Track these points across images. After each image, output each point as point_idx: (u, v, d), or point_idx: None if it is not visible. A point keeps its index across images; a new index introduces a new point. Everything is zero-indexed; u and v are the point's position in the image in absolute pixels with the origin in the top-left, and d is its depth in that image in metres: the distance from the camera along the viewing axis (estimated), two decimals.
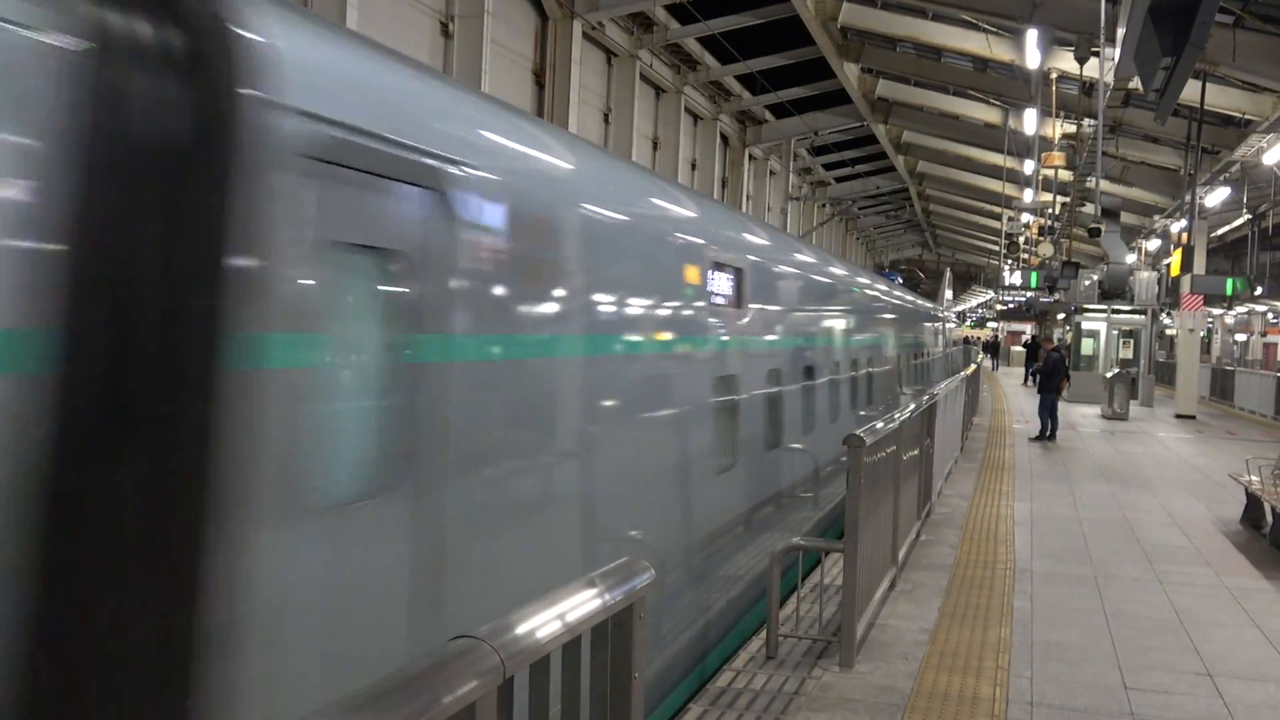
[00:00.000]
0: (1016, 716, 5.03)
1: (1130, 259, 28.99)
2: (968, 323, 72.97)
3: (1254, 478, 10.23)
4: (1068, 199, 29.79)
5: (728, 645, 6.86)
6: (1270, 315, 50.27)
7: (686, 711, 5.06)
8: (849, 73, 26.22)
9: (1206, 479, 13.62)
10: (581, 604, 2.59)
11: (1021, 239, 36.21)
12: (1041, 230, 30.91)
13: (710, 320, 6.59)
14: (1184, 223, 23.70)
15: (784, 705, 5.06)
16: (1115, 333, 30.12)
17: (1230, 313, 44.71)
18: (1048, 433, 17.90)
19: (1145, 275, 28.37)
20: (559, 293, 4.52)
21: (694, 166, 28.99)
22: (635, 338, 5.48)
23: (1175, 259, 23.85)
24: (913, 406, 8.19)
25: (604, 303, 5.06)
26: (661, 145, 26.15)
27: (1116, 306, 29.17)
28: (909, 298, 21.51)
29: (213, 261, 2.52)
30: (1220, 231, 31.43)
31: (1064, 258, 30.54)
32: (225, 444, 2.52)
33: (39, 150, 2.19)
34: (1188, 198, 22.11)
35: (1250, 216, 28.20)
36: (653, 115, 25.87)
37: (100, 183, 2.27)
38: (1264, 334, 52.03)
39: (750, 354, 7.59)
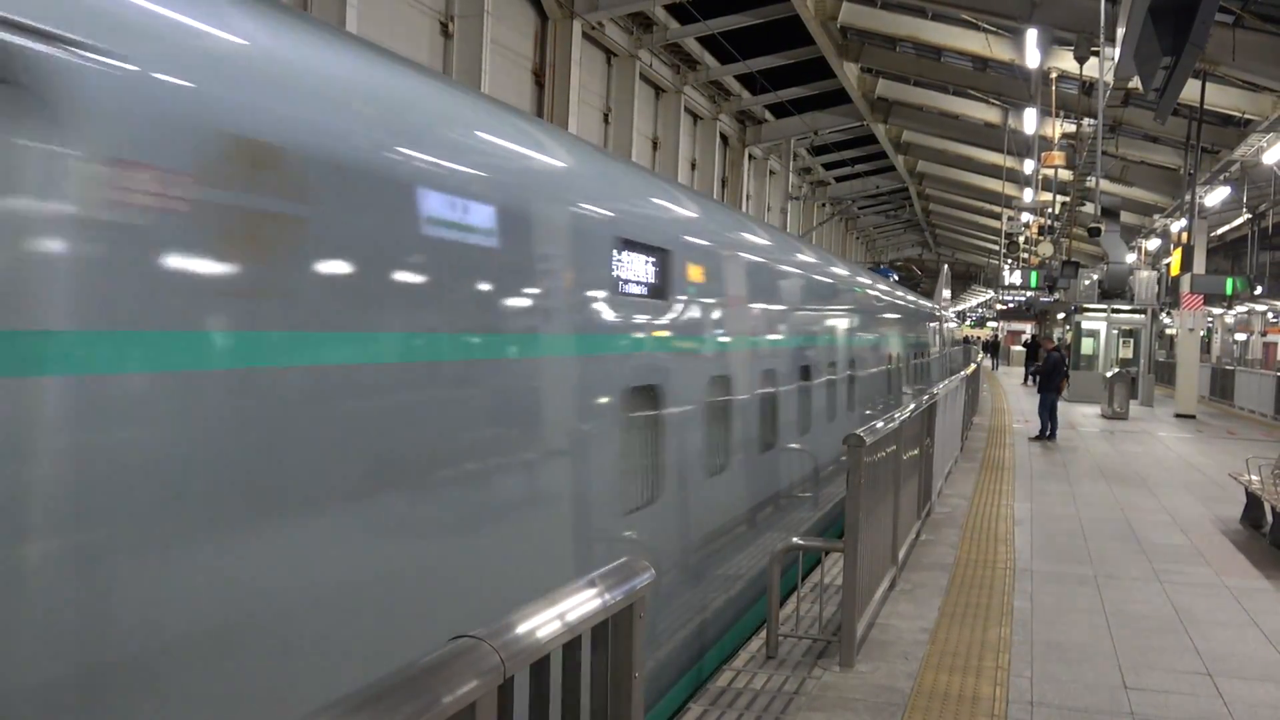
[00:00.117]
0: (1016, 716, 5.03)
1: (1130, 258, 28.98)
2: (968, 322, 72.95)
3: (1254, 477, 10.23)
4: (1068, 198, 29.79)
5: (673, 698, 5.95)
6: (1270, 315, 50.26)
7: (686, 711, 5.06)
8: (849, 72, 26.22)
9: (1206, 478, 13.62)
10: (581, 604, 2.59)
11: (1021, 238, 36.23)
12: (1041, 230, 30.92)
13: (616, 316, 5.12)
14: (1184, 222, 23.69)
15: (784, 705, 5.06)
16: (1115, 332, 30.12)
17: (1230, 312, 44.69)
18: (1048, 432, 17.90)
19: (1145, 275, 28.37)
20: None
21: (694, 166, 28.99)
22: (449, 333, 3.70)
23: (1175, 258, 23.84)
24: (905, 416, 7.46)
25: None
26: (661, 145, 26.15)
27: (1116, 306, 29.16)
28: (900, 294, 19.72)
29: None
30: (1220, 231, 31.44)
31: (1064, 257, 30.54)
32: None
33: None
34: (1187, 197, 22.11)
35: (1250, 216, 28.21)
36: (652, 115, 25.88)
37: None
38: (1264, 333, 52.03)
39: (681, 358, 6.13)
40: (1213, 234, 30.08)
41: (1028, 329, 59.50)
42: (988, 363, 43.06)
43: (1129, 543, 9.32)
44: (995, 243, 44.48)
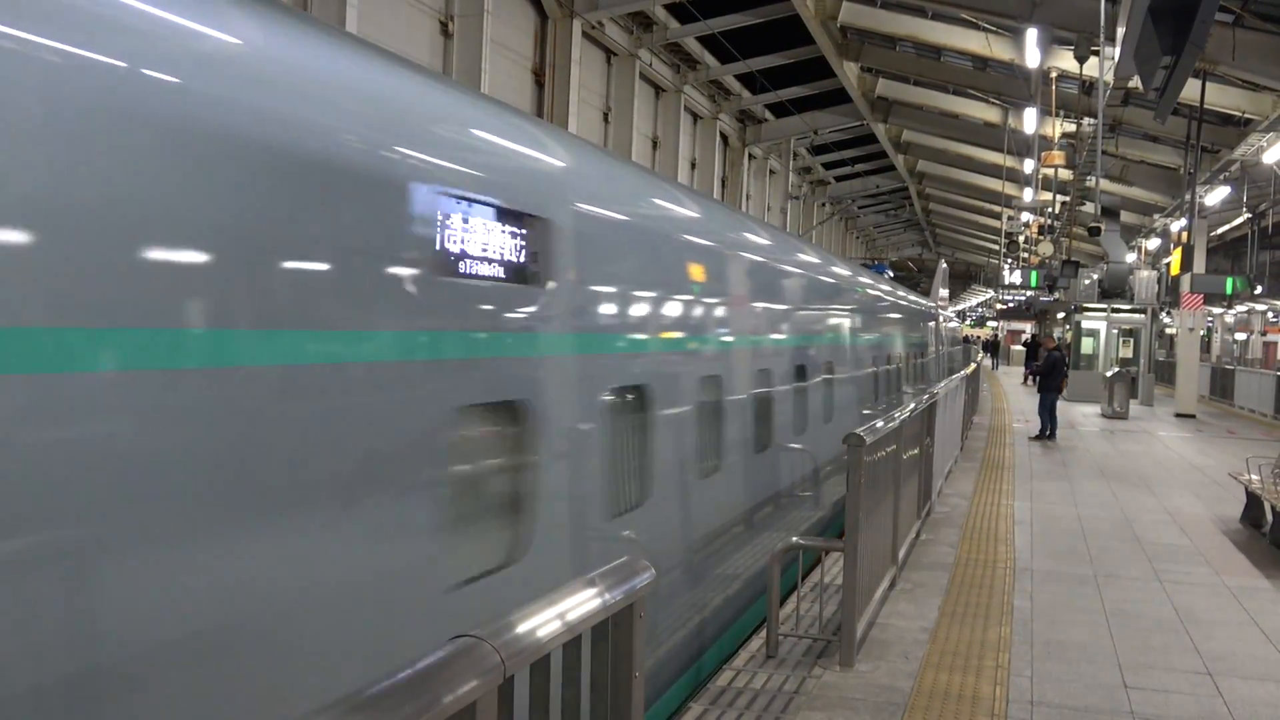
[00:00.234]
0: (1017, 715, 5.03)
1: (1130, 258, 28.99)
2: (968, 322, 72.96)
3: (1254, 476, 10.23)
4: (1067, 198, 29.79)
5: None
6: (1270, 314, 50.28)
7: (687, 710, 5.06)
8: (849, 72, 26.22)
9: (1206, 478, 13.61)
10: (582, 603, 2.59)
11: (1021, 238, 36.25)
12: (1041, 229, 30.95)
13: (440, 306, 3.67)
14: (1184, 222, 23.69)
15: (784, 704, 5.06)
16: (1115, 332, 30.13)
17: (1230, 312, 44.70)
18: (1047, 432, 17.90)
19: (1145, 274, 28.38)
20: None
21: (694, 166, 29.00)
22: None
23: (1175, 258, 23.85)
24: (904, 416, 7.07)
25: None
26: (661, 145, 26.16)
27: (1116, 305, 29.18)
28: (889, 290, 17.70)
29: None
30: (1220, 230, 31.45)
31: (1064, 257, 30.54)
32: None
33: None
34: (1187, 197, 22.10)
35: (1250, 215, 28.21)
36: (652, 115, 25.88)
37: None
38: (1264, 333, 52.06)
39: (563, 363, 4.61)
40: (1213, 233, 30.10)
41: (1028, 329, 59.53)
42: (988, 362, 43.07)
43: (1129, 542, 9.32)
44: (995, 242, 44.51)
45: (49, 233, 2.30)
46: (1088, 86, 21.33)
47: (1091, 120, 20.55)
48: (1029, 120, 23.10)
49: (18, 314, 2.24)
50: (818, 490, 10.00)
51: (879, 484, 6.23)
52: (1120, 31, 7.57)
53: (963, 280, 76.78)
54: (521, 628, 2.31)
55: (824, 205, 45.81)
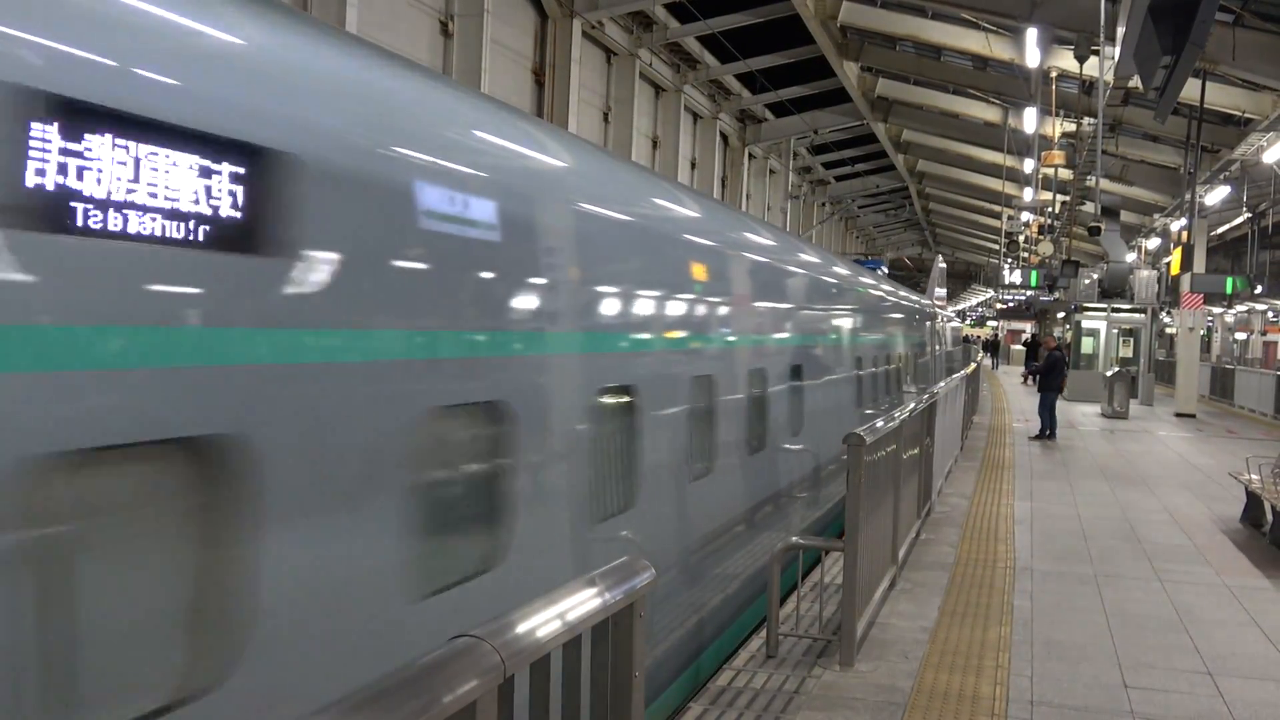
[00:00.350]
0: (1017, 715, 5.03)
1: (1130, 258, 28.98)
2: (968, 321, 72.98)
3: (1254, 476, 10.23)
4: (1067, 198, 29.80)
5: None
6: (1270, 314, 50.27)
7: (687, 710, 5.06)
8: (849, 71, 26.23)
9: (1206, 478, 13.61)
10: (582, 603, 2.59)
11: (1021, 238, 36.24)
12: (1041, 229, 30.94)
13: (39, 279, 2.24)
14: (1184, 221, 23.70)
15: (784, 704, 5.06)
16: (1115, 331, 30.15)
17: (1230, 311, 44.69)
18: (1047, 431, 17.90)
19: (1145, 274, 28.39)
20: None
21: (694, 165, 29.01)
22: None
23: (1175, 258, 23.86)
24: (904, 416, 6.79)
25: None
26: (661, 144, 26.16)
27: (1116, 305, 29.20)
28: (874, 285, 15.21)
29: None
30: (1220, 230, 31.46)
31: (1064, 256, 30.57)
32: None
33: None
34: (1187, 196, 22.11)
35: (1250, 215, 28.23)
36: (652, 114, 25.89)
37: None
38: (1264, 332, 52.04)
39: (291, 379, 2.93)
40: (1213, 233, 30.11)
41: (1028, 328, 59.55)
42: (987, 362, 43.07)
43: (1129, 542, 9.32)
44: (995, 242, 44.51)
45: None
46: (1088, 86, 21.34)
47: (1091, 120, 20.56)
48: (1029, 120, 23.11)
49: None
50: (764, 516, 8.18)
51: (879, 484, 6.23)
52: (1120, 31, 7.57)
53: (963, 280, 76.80)
54: (521, 627, 2.31)
55: (824, 205, 45.82)
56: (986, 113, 29.03)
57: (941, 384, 11.84)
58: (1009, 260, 41.79)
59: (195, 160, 2.55)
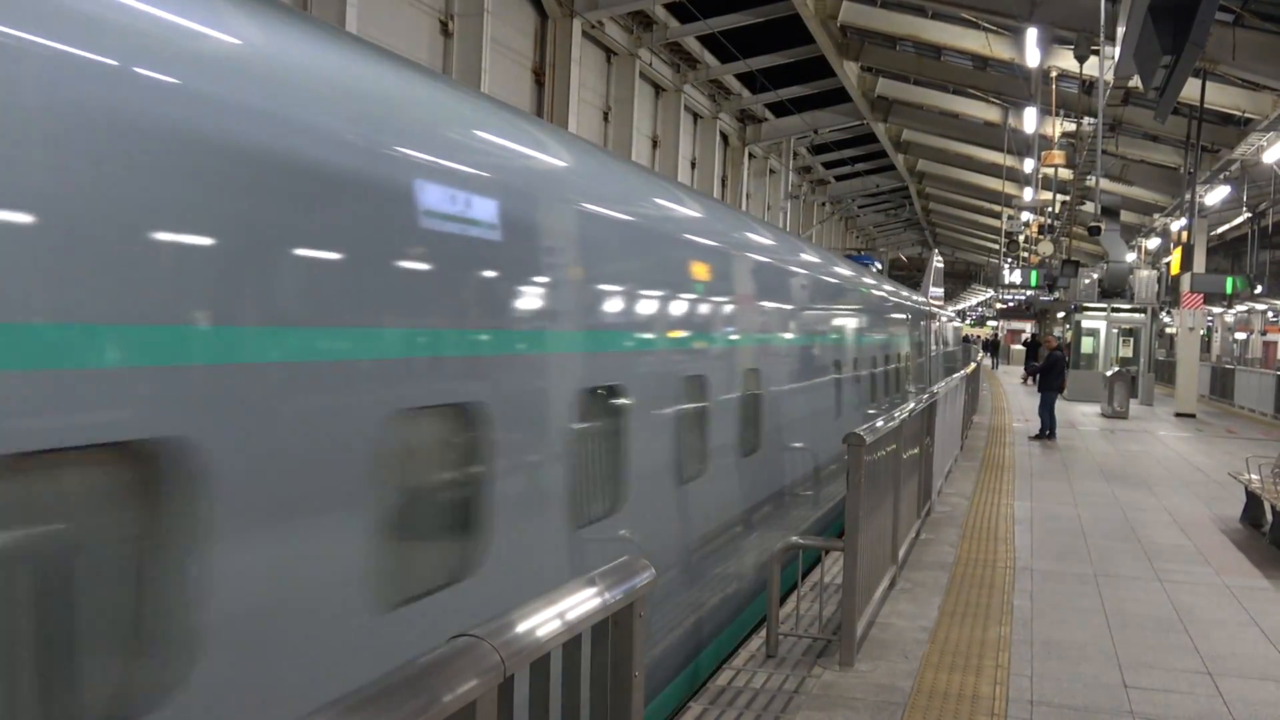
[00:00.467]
0: (1016, 715, 5.03)
1: (1130, 257, 28.99)
2: (968, 321, 72.99)
3: (1254, 476, 10.23)
4: (1067, 197, 29.79)
5: None
6: (1270, 314, 50.27)
7: (687, 710, 5.06)
8: (849, 71, 26.22)
9: (1206, 477, 13.61)
10: (582, 603, 2.59)
11: (1021, 237, 36.24)
12: (1041, 229, 30.93)
13: None
14: (1184, 221, 23.70)
15: (784, 704, 5.06)
16: (1115, 331, 30.16)
17: (1230, 311, 44.68)
18: (1047, 431, 17.90)
19: (1145, 274, 28.39)
20: None
21: (694, 165, 29.00)
22: None
23: (1175, 257, 23.87)
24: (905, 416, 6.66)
25: None
26: (661, 144, 26.15)
27: (1116, 305, 29.20)
28: (850, 274, 13.34)
29: None
30: (1220, 230, 31.45)
31: (1064, 256, 30.57)
32: None
33: None
34: (1187, 196, 22.11)
35: (1250, 215, 28.23)
36: (652, 114, 25.88)
37: None
38: (1264, 332, 52.05)
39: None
40: (1213, 233, 30.10)
41: (1028, 328, 59.56)
42: (987, 362, 43.07)
43: (1129, 542, 9.32)
44: (995, 241, 44.49)
45: None
46: (1088, 86, 21.33)
47: (1091, 120, 20.54)
48: (1029, 120, 23.10)
49: None
50: (758, 519, 7.89)
51: (879, 483, 6.23)
52: (1120, 31, 7.57)
53: (963, 280, 76.78)
54: (521, 627, 2.30)
55: (824, 205, 45.81)
56: (986, 112, 29.02)
57: (941, 384, 11.83)
58: (1009, 260, 41.79)
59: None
